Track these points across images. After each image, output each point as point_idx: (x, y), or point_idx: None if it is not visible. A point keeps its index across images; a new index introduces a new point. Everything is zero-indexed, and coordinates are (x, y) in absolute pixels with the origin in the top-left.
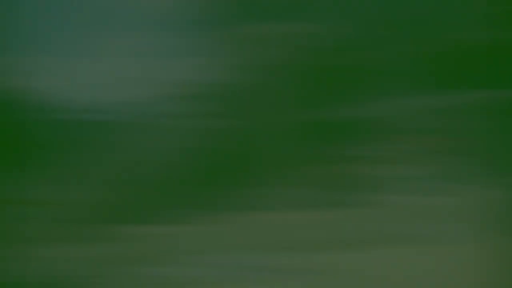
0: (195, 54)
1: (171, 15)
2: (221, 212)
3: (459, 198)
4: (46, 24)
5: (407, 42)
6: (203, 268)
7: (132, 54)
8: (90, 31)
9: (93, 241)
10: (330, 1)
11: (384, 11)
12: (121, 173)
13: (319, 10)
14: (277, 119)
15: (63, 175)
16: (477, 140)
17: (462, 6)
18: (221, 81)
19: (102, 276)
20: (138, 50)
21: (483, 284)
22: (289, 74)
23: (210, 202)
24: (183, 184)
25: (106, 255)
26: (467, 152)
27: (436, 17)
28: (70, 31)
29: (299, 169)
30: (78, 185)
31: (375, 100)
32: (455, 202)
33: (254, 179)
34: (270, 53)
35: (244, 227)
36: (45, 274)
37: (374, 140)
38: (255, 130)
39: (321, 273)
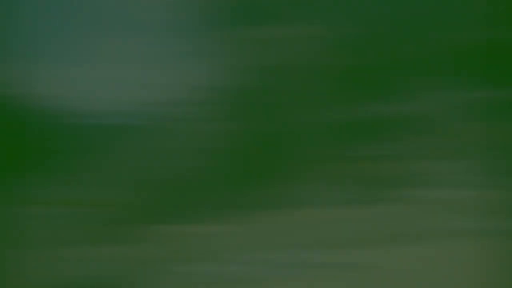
0: (199, 57)
1: (172, 19)
2: (255, 210)
3: (492, 192)
4: (48, 30)
5: (421, 40)
6: (241, 266)
7: (134, 59)
8: (91, 36)
9: (128, 241)
10: (332, 2)
11: (386, 11)
12: (147, 174)
13: (323, 11)
14: (305, 119)
15: (91, 178)
16: (505, 135)
17: (467, 5)
18: (227, 84)
19: (138, 276)
20: (140, 54)
21: None
22: (308, 74)
23: (244, 201)
24: (215, 184)
25: (142, 255)
26: (496, 147)
27: (440, 15)
28: (72, 36)
29: (333, 167)
30: (107, 187)
31: (402, 97)
32: (488, 196)
33: (289, 178)
34: (277, 55)
35: (279, 225)
36: (81, 276)
37: (404, 137)
38: (284, 130)
39: (358, 269)
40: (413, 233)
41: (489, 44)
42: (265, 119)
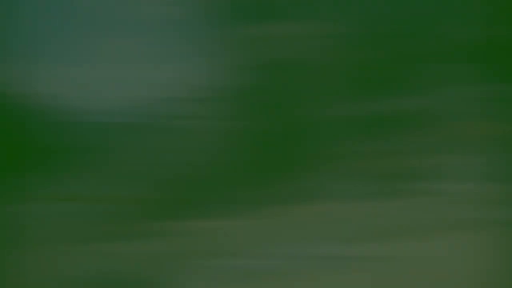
0: (201, 55)
1: (174, 17)
2: (272, 205)
3: (505, 185)
4: (49, 29)
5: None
6: (260, 260)
7: (135, 57)
8: (92, 35)
9: (142, 237)
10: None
11: (391, 7)
12: (158, 171)
13: (327, 8)
14: (316, 115)
15: (102, 174)
16: None
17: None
18: (231, 82)
19: (155, 272)
20: (141, 53)
21: None
22: (315, 71)
23: (260, 196)
24: (229, 179)
25: (158, 251)
26: (505, 140)
27: (447, 10)
28: (74, 35)
29: (348, 162)
30: (120, 183)
31: (412, 92)
32: (500, 188)
33: (306, 172)
34: (282, 52)
35: (297, 219)
36: (96, 272)
37: (416, 132)
38: (297, 126)
39: (375, 262)
40: (429, 226)
41: (495, 39)
42: (275, 116)
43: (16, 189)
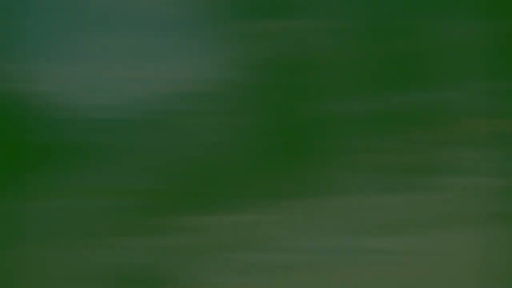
0: (206, 51)
1: (177, 13)
2: (292, 199)
3: None
4: (51, 27)
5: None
6: (281, 254)
7: (136, 54)
8: (93, 32)
9: (171, 232)
10: None
11: (396, 2)
12: (178, 166)
13: (331, 3)
14: (329, 110)
15: (118, 169)
16: None
17: None
18: (236, 78)
19: (178, 266)
20: (143, 50)
21: None
22: (324, 66)
23: (280, 190)
24: (249, 175)
25: (181, 245)
26: None
27: (453, 5)
28: (76, 33)
29: (367, 156)
30: (143, 178)
31: (423, 87)
32: None
33: (322, 167)
34: (286, 48)
35: (316, 213)
36: (126, 265)
37: (435, 125)
38: (310, 121)
39: (399, 255)
40: (443, 220)
41: (504, 33)
42: (282, 111)
43: (29, 185)
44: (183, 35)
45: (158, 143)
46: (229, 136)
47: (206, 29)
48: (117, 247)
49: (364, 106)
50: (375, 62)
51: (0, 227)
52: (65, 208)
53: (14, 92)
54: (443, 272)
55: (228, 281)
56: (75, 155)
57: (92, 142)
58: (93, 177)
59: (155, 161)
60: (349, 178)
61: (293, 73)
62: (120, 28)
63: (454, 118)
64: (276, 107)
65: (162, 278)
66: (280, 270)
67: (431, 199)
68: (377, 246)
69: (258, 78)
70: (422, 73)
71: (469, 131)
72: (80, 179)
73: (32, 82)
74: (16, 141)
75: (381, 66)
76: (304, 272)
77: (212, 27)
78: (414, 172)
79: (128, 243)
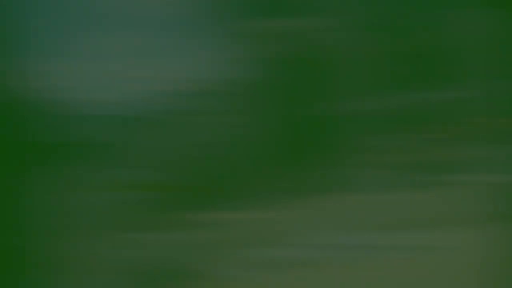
0: (213, 50)
1: (183, 11)
2: (309, 195)
3: None
4: (52, 26)
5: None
6: (301, 249)
7: (139, 53)
8: (98, 30)
9: (190, 227)
10: None
11: (391, 3)
12: (192, 163)
13: (337, 2)
14: (337, 108)
15: (140, 164)
16: None
17: None
18: (241, 76)
19: (197, 261)
20: (149, 48)
21: None
22: (339, 64)
23: (295, 186)
24: (261, 171)
25: (199, 241)
26: None
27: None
28: (80, 30)
29: (374, 154)
30: (162, 173)
31: (441, 84)
32: None
33: (339, 164)
34: (293, 47)
35: (331, 209)
36: (143, 260)
37: (442, 123)
38: (322, 119)
39: (414, 251)
40: (449, 217)
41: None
42: (292, 109)
43: (38, 182)
44: (188, 33)
45: (165, 141)
46: (240, 134)
47: (209, 28)
48: (133, 242)
49: (367, 105)
50: (379, 60)
51: (13, 221)
52: (78, 203)
53: (19, 90)
54: (453, 267)
55: (242, 276)
56: (83, 151)
57: (99, 139)
58: (103, 172)
59: (167, 157)
60: (357, 176)
61: (298, 72)
62: (124, 26)
63: (459, 117)
64: (281, 106)
65: (178, 273)
66: (294, 266)
67: (444, 196)
68: (387, 242)
69: (262, 76)
70: (426, 71)
71: (474, 129)
72: (90, 175)
73: (35, 79)
74: (21, 138)
75: (384, 64)
76: (317, 268)
77: (216, 26)
78: (420, 170)
79: (145, 238)
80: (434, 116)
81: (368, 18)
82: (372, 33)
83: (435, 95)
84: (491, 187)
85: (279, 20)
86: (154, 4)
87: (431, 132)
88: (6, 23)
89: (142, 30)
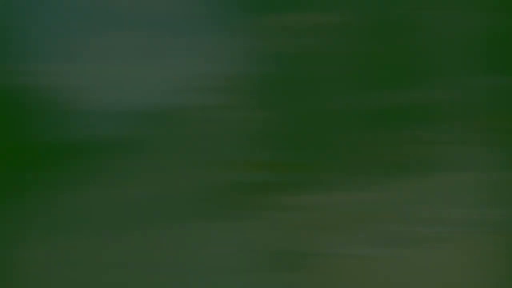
0: (218, 46)
1: (193, 7)
2: (406, 175)
3: None
4: (64, 24)
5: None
6: (422, 226)
7: (152, 50)
8: (108, 29)
9: (289, 209)
10: None
11: None
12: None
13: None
14: (335, 106)
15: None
16: None
17: None
18: (251, 72)
19: (308, 243)
20: (159, 45)
21: None
22: (334, 61)
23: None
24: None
25: (322, 221)
26: None
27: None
28: (89, 30)
29: (378, 151)
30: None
31: (429, 83)
32: None
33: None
34: (301, 42)
35: (438, 187)
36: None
37: (440, 121)
38: (318, 116)
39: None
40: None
41: (504, 29)
42: (300, 104)
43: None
44: (198, 29)
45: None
46: (245, 131)
47: (220, 23)
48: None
49: (364, 102)
50: (380, 58)
51: (46, 215)
52: (107, 199)
53: (27, 88)
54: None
55: (365, 253)
56: (104, 149)
57: (135, 135)
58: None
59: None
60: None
61: (305, 67)
62: (134, 24)
63: (457, 115)
64: (289, 101)
65: (301, 254)
66: (421, 242)
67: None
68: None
69: (271, 72)
70: (426, 69)
71: (473, 128)
72: (119, 173)
73: (42, 79)
74: (32, 137)
75: (386, 62)
76: (441, 244)
77: (226, 21)
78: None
79: (255, 220)
80: (429, 114)
81: (374, 14)
82: (376, 30)
83: (429, 93)
84: (485, 185)
85: (289, 15)
86: (165, 1)
87: (425, 131)
88: (6, 23)
89: (152, 27)
